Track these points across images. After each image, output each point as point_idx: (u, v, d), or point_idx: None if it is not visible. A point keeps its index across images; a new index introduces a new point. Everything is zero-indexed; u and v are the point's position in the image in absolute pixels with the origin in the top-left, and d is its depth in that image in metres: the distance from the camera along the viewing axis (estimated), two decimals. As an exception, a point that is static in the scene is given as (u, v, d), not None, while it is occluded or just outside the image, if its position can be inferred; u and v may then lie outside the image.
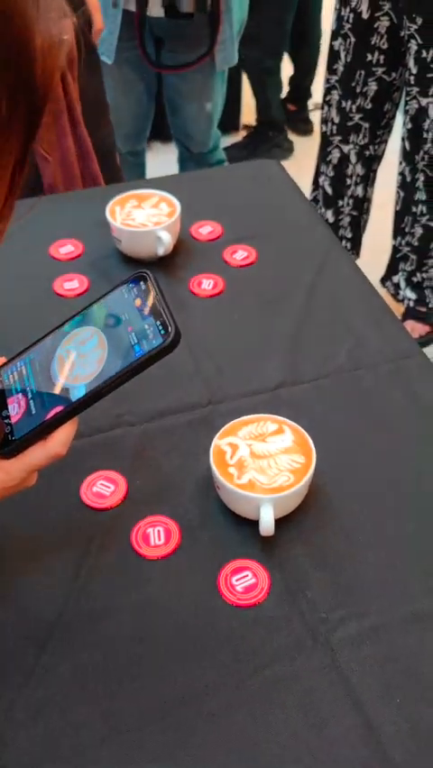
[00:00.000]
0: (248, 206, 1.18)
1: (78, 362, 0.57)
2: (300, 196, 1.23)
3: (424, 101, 1.79)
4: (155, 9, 1.80)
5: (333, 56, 1.91)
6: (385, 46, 1.81)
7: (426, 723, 0.61)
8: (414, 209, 1.97)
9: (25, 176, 0.45)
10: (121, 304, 0.58)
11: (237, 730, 0.61)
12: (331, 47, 1.90)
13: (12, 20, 0.39)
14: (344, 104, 1.93)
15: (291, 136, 3.07)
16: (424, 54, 1.74)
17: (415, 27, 1.71)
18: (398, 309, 2.16)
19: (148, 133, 2.19)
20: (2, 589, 0.70)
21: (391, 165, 2.06)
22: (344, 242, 2.15)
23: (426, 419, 0.86)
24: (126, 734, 0.61)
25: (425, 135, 1.84)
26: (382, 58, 1.83)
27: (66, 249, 1.09)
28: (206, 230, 1.13)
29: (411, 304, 2.13)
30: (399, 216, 2.06)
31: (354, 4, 1.79)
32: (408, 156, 1.92)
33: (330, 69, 1.93)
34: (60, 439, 0.56)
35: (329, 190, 2.10)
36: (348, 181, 2.06)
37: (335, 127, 1.99)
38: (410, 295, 2.12)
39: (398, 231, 2.08)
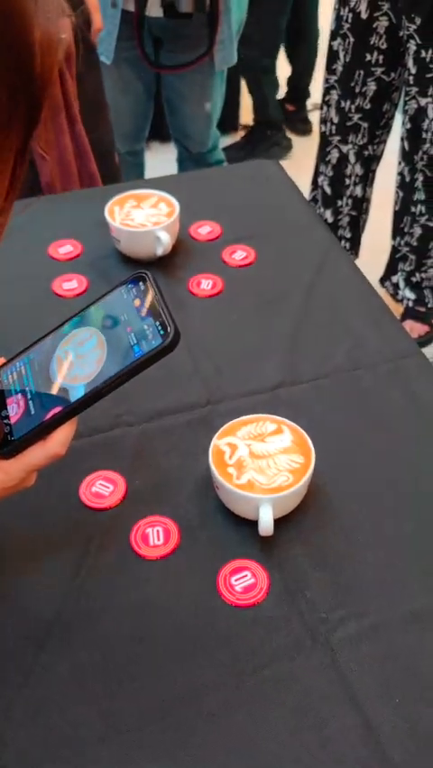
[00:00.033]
0: (247, 206, 1.18)
1: (77, 363, 0.57)
2: (299, 196, 1.23)
3: (423, 101, 1.80)
4: (154, 9, 1.80)
5: (332, 56, 1.91)
6: (384, 46, 1.81)
7: (425, 722, 0.61)
8: (413, 209, 1.97)
9: (25, 171, 0.46)
10: (120, 304, 0.58)
11: (236, 730, 0.61)
12: (330, 47, 1.90)
13: (11, 15, 0.39)
14: (343, 104, 1.93)
15: (290, 136, 3.07)
16: (423, 54, 1.74)
17: (414, 27, 1.72)
18: (397, 309, 2.16)
19: (147, 133, 2.19)
20: (1, 589, 0.70)
21: (390, 165, 2.06)
22: (343, 242, 2.15)
23: (425, 419, 0.86)
24: (125, 733, 0.61)
25: (424, 135, 1.84)
26: (381, 58, 1.84)
27: (65, 249, 1.09)
28: (205, 230, 1.13)
29: (410, 304, 2.13)
30: (398, 216, 2.06)
31: (352, 4, 1.79)
32: (407, 156, 1.92)
33: (329, 69, 1.93)
34: (60, 439, 0.56)
35: (328, 190, 2.10)
36: (347, 181, 2.06)
37: (334, 127, 1.99)
38: (409, 295, 2.12)
39: (397, 231, 2.08)
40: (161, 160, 2.61)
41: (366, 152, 2.01)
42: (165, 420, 0.86)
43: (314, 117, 3.03)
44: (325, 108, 2.00)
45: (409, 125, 1.87)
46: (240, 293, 1.03)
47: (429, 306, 2.11)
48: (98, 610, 0.69)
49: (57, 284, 1.03)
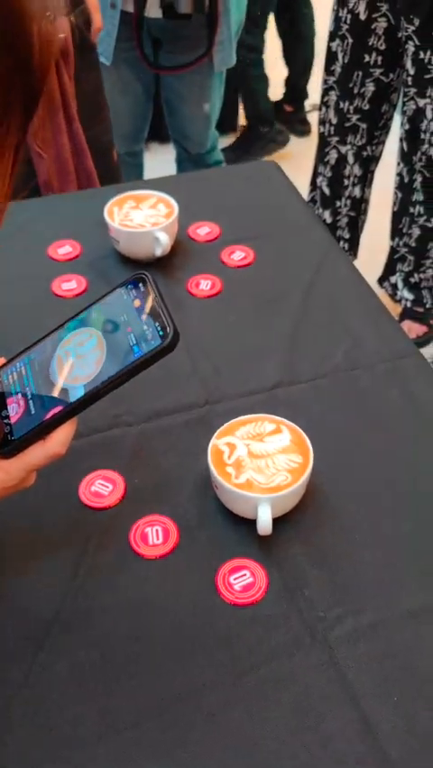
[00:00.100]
0: (246, 207, 1.18)
1: (76, 363, 0.57)
2: (298, 197, 1.23)
3: (421, 102, 1.80)
4: (153, 10, 1.80)
5: (330, 57, 1.91)
6: (383, 47, 1.82)
7: (422, 719, 0.62)
8: (412, 210, 1.97)
9: (21, 160, 0.47)
10: (120, 305, 0.58)
11: (235, 727, 0.61)
12: (329, 48, 1.91)
13: (10, 6, 0.40)
14: (341, 105, 1.94)
15: (288, 136, 3.06)
16: (421, 55, 1.74)
17: (412, 28, 1.72)
18: (395, 310, 2.16)
19: (146, 134, 2.20)
20: (0, 588, 0.71)
21: (389, 166, 2.06)
22: (341, 242, 2.16)
23: (422, 419, 0.87)
24: (124, 732, 0.61)
25: (422, 136, 1.85)
26: (379, 59, 1.84)
27: (64, 249, 1.09)
28: (203, 231, 1.13)
29: (408, 304, 2.14)
30: (396, 217, 2.06)
31: (351, 5, 1.79)
32: (405, 157, 1.93)
33: (328, 70, 1.94)
34: (59, 439, 0.56)
35: (327, 191, 2.10)
36: (346, 182, 2.06)
37: (332, 128, 2.00)
38: (408, 295, 2.12)
39: (395, 231, 2.09)
40: (159, 160, 2.61)
41: (365, 153, 2.01)
42: (164, 420, 0.86)
43: (312, 118, 3.03)
44: (323, 109, 2.01)
45: (407, 126, 1.87)
46: (239, 293, 1.03)
47: (427, 306, 2.12)
48: (97, 609, 0.69)
49: (56, 284, 1.03)
